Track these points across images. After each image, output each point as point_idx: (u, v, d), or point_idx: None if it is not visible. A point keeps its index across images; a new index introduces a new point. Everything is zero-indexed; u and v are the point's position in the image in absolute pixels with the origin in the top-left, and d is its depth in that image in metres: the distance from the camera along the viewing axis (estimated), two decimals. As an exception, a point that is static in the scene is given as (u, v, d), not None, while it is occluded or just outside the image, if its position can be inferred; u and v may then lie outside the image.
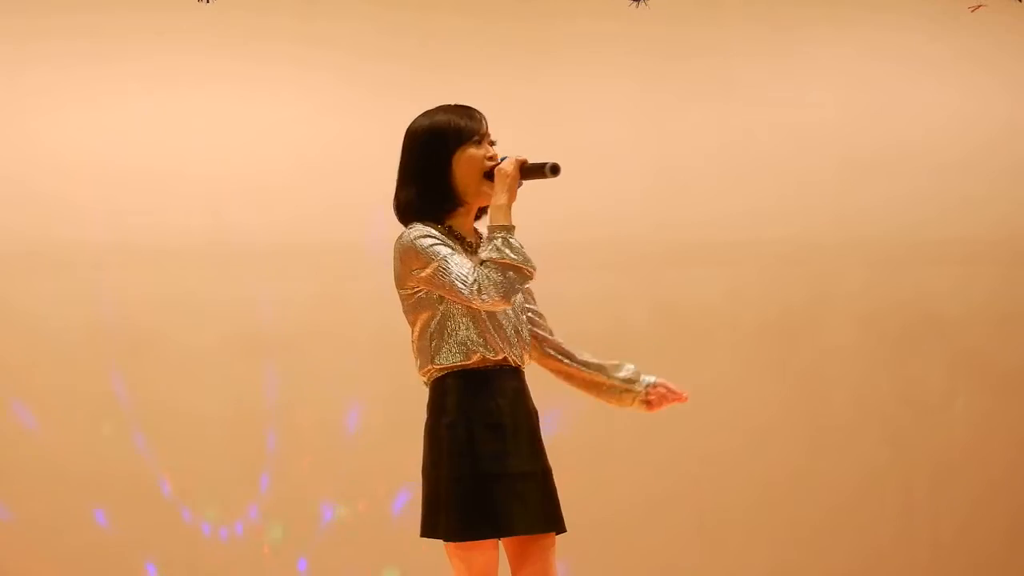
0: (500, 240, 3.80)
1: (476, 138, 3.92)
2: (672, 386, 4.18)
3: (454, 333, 3.87)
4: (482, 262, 3.80)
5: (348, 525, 6.17)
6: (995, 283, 6.50)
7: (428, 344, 3.90)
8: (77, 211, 6.08)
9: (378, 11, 6.24)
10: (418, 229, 3.91)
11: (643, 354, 6.25)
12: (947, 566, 6.46)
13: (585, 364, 4.12)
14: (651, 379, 4.17)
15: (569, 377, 4.13)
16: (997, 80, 6.55)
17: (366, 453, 6.16)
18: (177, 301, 6.10)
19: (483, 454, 3.84)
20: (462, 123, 3.93)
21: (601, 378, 4.12)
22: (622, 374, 4.14)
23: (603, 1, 6.20)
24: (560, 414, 6.05)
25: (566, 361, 4.12)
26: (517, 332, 3.93)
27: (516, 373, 3.94)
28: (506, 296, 3.77)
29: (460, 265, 3.81)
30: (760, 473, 6.36)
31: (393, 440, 6.09)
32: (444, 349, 3.88)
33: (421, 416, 6.08)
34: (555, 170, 3.85)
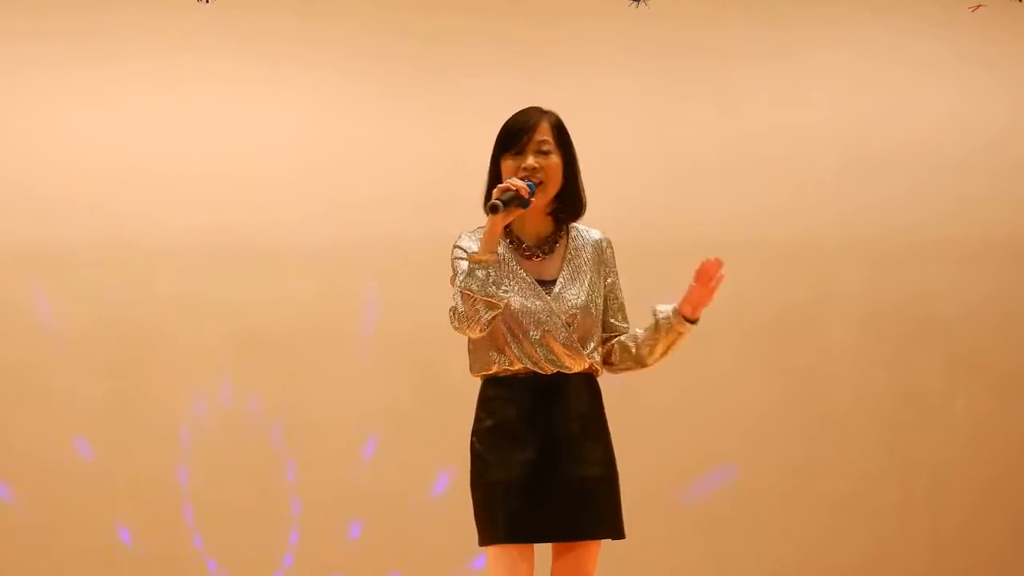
0: (467, 271, 3.85)
1: (517, 148, 3.95)
2: (694, 285, 4.03)
3: (481, 343, 3.95)
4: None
5: (345, 520, 6.18)
6: (995, 283, 6.49)
7: (469, 350, 4.01)
8: (77, 211, 6.07)
9: (378, 11, 6.23)
10: (460, 238, 3.97)
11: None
12: (947, 565, 6.45)
13: (637, 354, 4.07)
14: (669, 307, 4.05)
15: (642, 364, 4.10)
16: (997, 80, 6.53)
17: (361, 450, 6.16)
18: (177, 301, 6.10)
19: (488, 462, 3.91)
20: (507, 131, 3.98)
21: (652, 343, 4.06)
22: (659, 328, 4.05)
23: (603, 1, 6.19)
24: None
25: (625, 364, 4.09)
26: (545, 341, 3.92)
27: (551, 381, 3.94)
28: (468, 324, 3.84)
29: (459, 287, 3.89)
30: (759, 472, 6.35)
31: (391, 438, 6.10)
32: (474, 359, 3.99)
33: (424, 416, 6.12)
34: (493, 209, 3.83)
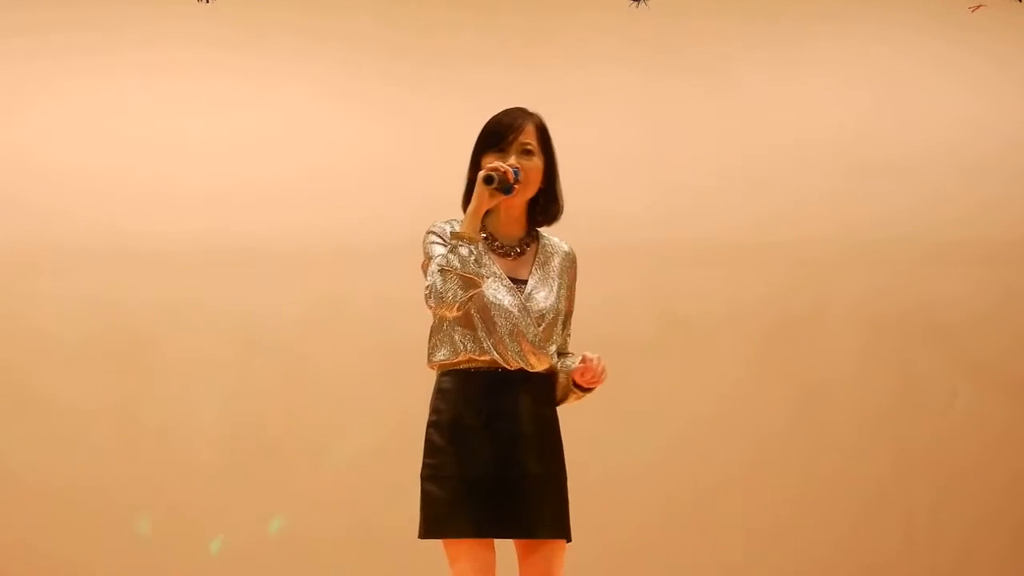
0: (449, 248, 3.87)
1: (500, 146, 3.99)
2: (582, 366, 4.04)
3: (449, 331, 3.97)
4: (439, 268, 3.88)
5: (343, 526, 6.14)
6: (1002, 288, 6.44)
7: (430, 340, 4.01)
8: (74, 214, 6.05)
9: (379, 5, 6.21)
10: (435, 224, 4.01)
11: (646, 359, 6.26)
12: (949, 571, 6.42)
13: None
14: (570, 364, 4.09)
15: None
16: (1010, 82, 6.49)
17: (361, 455, 6.13)
18: (176, 304, 6.07)
19: (448, 455, 3.93)
20: (491, 129, 4.03)
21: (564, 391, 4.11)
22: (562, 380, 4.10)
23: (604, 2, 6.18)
24: (563, 416, 6.00)
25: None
26: (515, 336, 3.95)
27: (512, 376, 3.97)
28: (446, 302, 3.85)
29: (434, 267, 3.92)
30: (762, 477, 6.32)
31: (389, 442, 6.07)
32: (438, 346, 3.99)
33: (419, 419, 6.10)
34: (487, 180, 3.88)
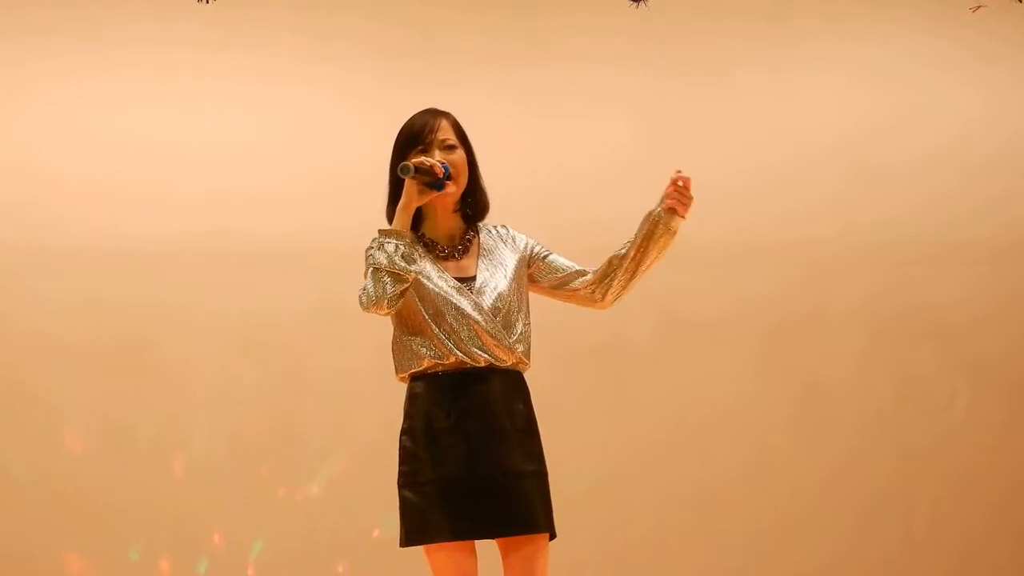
0: (376, 244, 3.90)
1: (420, 147, 4.02)
2: (672, 189, 4.19)
3: (408, 341, 3.99)
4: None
5: (344, 526, 6.14)
6: (1002, 288, 6.44)
7: (393, 355, 4.04)
8: (75, 214, 6.04)
9: (379, 5, 6.21)
10: (375, 240, 3.99)
11: (647, 360, 6.26)
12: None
13: (631, 263, 4.17)
14: (657, 209, 4.18)
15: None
16: (1010, 82, 6.49)
17: (361, 456, 6.13)
18: (176, 305, 6.06)
19: (423, 460, 3.94)
20: (409, 132, 4.06)
21: (632, 253, 4.16)
22: (655, 232, 4.17)
23: (603, 1, 6.18)
24: (567, 419, 6.02)
25: (620, 278, 4.18)
26: (476, 334, 3.95)
27: (481, 373, 3.97)
28: (376, 301, 3.87)
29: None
30: (763, 477, 6.32)
31: (389, 443, 6.06)
32: (401, 357, 4.02)
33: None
34: (403, 170, 3.89)
